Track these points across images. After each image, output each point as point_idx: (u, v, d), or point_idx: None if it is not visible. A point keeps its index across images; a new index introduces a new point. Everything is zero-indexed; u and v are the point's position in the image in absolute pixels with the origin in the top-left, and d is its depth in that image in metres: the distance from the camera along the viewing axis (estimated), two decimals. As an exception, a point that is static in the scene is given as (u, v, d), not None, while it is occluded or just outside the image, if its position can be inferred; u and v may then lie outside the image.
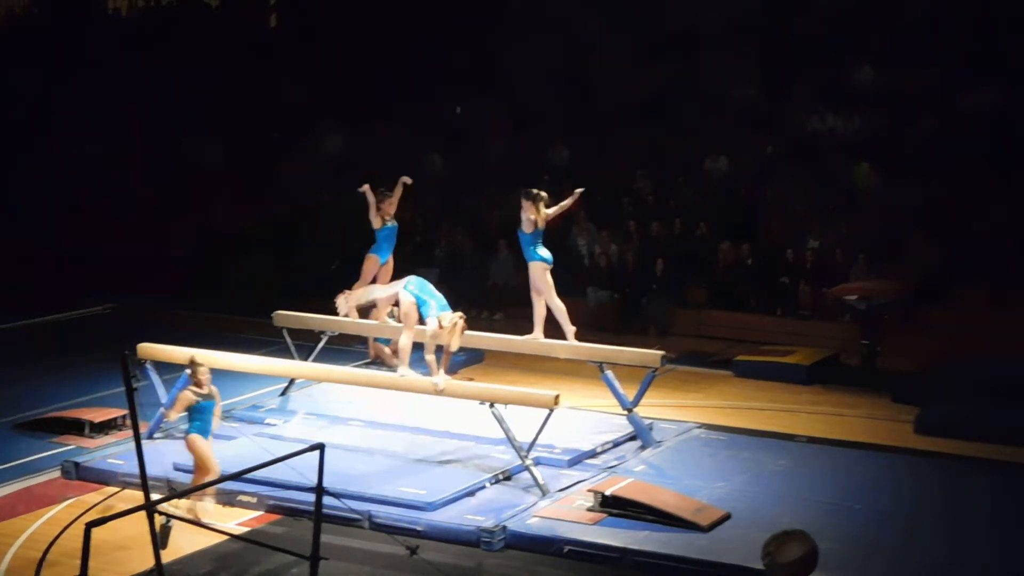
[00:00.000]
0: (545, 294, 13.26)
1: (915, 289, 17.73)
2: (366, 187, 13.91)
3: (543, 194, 13.17)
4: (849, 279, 18.01)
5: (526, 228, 13.09)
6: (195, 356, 11.62)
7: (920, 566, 10.30)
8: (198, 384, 11.30)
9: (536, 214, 13.03)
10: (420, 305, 12.58)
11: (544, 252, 13.18)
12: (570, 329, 13.36)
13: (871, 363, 16.66)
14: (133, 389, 8.85)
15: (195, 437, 11.16)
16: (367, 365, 16.06)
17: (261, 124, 24.72)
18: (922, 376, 15.85)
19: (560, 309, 13.31)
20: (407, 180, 14.18)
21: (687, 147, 21.37)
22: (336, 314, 13.95)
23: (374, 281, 14.23)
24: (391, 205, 14.06)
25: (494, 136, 22.61)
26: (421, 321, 12.63)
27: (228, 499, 11.52)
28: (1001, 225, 18.42)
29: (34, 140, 24.43)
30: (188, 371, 11.51)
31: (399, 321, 13.60)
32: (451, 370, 15.87)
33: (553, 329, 13.56)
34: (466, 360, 16.49)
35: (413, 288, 12.68)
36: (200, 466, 11.12)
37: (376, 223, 14.05)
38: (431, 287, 12.75)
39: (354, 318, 14.19)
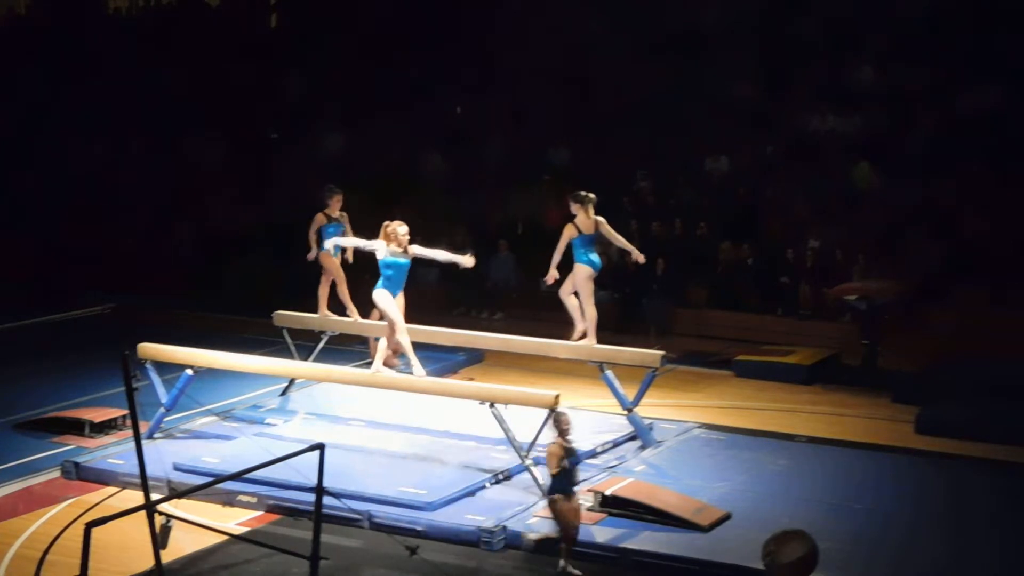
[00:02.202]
0: (583, 298, 13.14)
1: (915, 289, 17.73)
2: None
3: (592, 196, 13.06)
4: (850, 279, 18.01)
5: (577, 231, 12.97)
6: (557, 407, 10.50)
7: (920, 566, 10.30)
8: (563, 434, 10.28)
9: (586, 217, 12.94)
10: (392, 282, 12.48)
11: (594, 256, 13.04)
12: (593, 339, 13.23)
13: (871, 363, 16.67)
14: (133, 389, 8.84)
15: (560, 497, 10.12)
16: (367, 365, 16.08)
17: (261, 124, 24.73)
18: (922, 376, 15.84)
19: (592, 317, 13.16)
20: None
21: (687, 147, 21.38)
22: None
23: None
24: (336, 204, 14.21)
25: (494, 136, 22.61)
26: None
27: (228, 499, 11.52)
28: (1001, 225, 18.42)
29: (35, 140, 24.44)
30: (552, 424, 10.41)
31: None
32: (451, 370, 15.94)
33: (556, 330, 13.55)
34: (466, 360, 16.51)
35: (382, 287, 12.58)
36: (566, 525, 10.17)
37: (323, 221, 14.20)
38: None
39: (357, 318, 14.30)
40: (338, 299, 14.50)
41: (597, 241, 13.14)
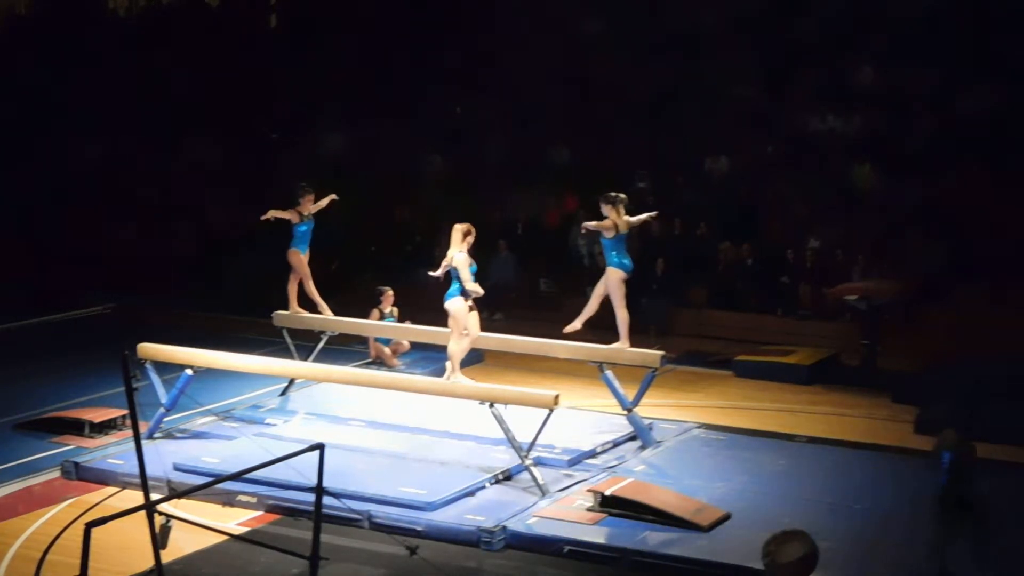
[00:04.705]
0: (615, 302, 13.09)
1: (915, 289, 17.73)
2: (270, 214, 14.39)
3: (623, 196, 13.02)
4: (850, 279, 18.01)
5: (607, 233, 12.94)
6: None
7: (920, 566, 10.29)
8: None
9: (617, 218, 12.91)
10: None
11: (625, 260, 13.00)
12: (626, 342, 13.22)
13: (871, 363, 16.67)
14: (133, 389, 8.83)
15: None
16: (367, 365, 16.11)
17: (261, 124, 24.72)
18: (922, 376, 15.84)
19: (624, 320, 13.14)
20: (334, 197, 14.67)
21: (687, 147, 21.37)
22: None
23: None
24: (308, 203, 14.38)
25: (494, 136, 22.61)
26: None
27: (228, 499, 11.52)
28: (1001, 225, 18.41)
29: (34, 140, 24.44)
30: (941, 443, 9.84)
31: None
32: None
33: (556, 330, 13.54)
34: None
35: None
36: None
37: (295, 219, 14.38)
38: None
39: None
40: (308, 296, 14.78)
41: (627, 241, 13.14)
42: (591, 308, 13.26)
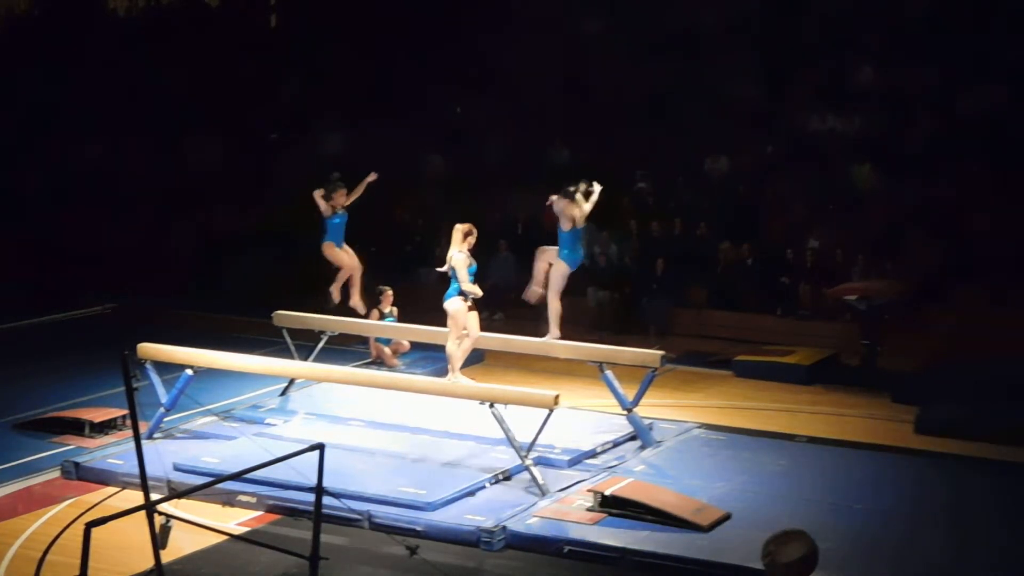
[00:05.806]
0: (551, 289, 13.16)
1: (915, 289, 17.73)
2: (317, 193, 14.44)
3: (577, 188, 13.05)
4: (850, 279, 18.01)
5: (563, 226, 12.97)
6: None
7: (920, 566, 10.30)
8: None
9: (577, 211, 12.93)
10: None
11: (575, 253, 13.04)
12: (556, 332, 13.27)
13: (871, 363, 16.67)
14: (133, 389, 8.83)
15: None
16: (367, 365, 16.11)
17: (261, 124, 24.72)
18: (922, 376, 15.84)
19: (556, 311, 13.20)
20: (371, 179, 14.72)
21: (687, 147, 21.37)
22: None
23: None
24: (340, 196, 14.43)
25: (494, 136, 22.61)
26: None
27: (228, 499, 11.52)
28: (1001, 225, 18.42)
29: (34, 140, 24.43)
30: None
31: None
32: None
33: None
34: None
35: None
36: None
37: (327, 212, 14.43)
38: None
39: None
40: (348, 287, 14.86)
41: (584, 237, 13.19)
42: (553, 307, 13.23)
